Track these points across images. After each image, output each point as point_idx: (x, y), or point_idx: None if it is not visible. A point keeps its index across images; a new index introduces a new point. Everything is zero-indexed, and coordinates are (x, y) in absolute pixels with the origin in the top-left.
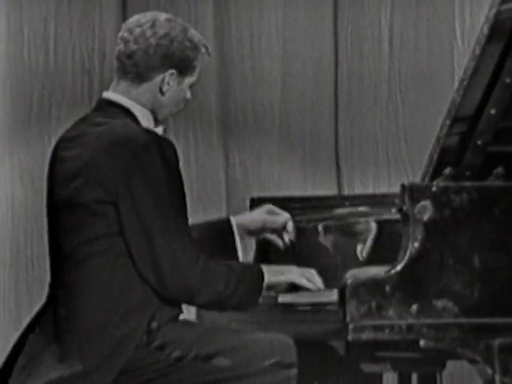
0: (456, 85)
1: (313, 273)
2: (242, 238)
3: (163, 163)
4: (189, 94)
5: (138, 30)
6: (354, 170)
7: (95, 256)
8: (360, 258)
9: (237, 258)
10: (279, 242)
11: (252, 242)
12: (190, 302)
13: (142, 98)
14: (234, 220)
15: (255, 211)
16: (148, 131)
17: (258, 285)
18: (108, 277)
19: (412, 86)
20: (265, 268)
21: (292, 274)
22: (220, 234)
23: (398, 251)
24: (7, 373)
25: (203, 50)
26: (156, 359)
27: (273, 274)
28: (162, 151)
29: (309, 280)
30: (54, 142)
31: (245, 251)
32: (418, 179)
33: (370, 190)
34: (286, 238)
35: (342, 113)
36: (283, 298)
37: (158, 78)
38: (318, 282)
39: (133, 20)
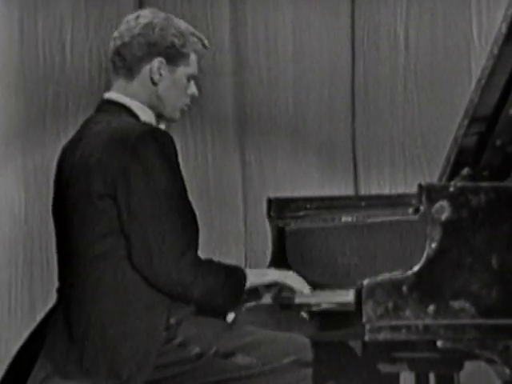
0: (473, 84)
1: (294, 275)
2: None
3: (160, 154)
4: (194, 89)
5: (124, 26)
6: (370, 170)
7: (104, 255)
8: None
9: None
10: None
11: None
12: (184, 295)
13: (138, 94)
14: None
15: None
16: (145, 124)
17: (241, 286)
18: (118, 275)
19: (429, 85)
20: (247, 270)
21: (275, 275)
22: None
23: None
24: (17, 367)
25: (194, 39)
26: (177, 356)
27: (255, 275)
28: (159, 142)
29: (293, 282)
30: None
31: None
32: (434, 180)
33: (386, 191)
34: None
35: (359, 112)
36: (300, 299)
37: (147, 69)
38: (302, 284)
39: (124, 20)
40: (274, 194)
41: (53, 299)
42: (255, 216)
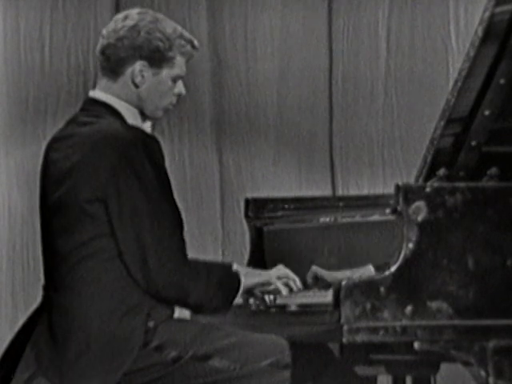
0: (450, 86)
1: (289, 275)
2: None
3: (149, 160)
4: (180, 89)
5: (111, 26)
6: (348, 170)
7: (89, 258)
8: None
9: None
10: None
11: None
12: (180, 301)
13: (122, 94)
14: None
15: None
16: (133, 128)
17: (235, 288)
18: (102, 279)
19: (407, 87)
20: (241, 271)
21: (269, 276)
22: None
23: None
24: (1, 368)
25: (181, 41)
26: (154, 360)
27: (249, 276)
28: (148, 148)
29: (285, 283)
30: None
31: None
32: (412, 180)
33: (364, 191)
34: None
35: (337, 113)
36: (280, 300)
37: (129, 70)
38: (294, 284)
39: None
40: (252, 194)
41: (35, 301)
42: (233, 216)
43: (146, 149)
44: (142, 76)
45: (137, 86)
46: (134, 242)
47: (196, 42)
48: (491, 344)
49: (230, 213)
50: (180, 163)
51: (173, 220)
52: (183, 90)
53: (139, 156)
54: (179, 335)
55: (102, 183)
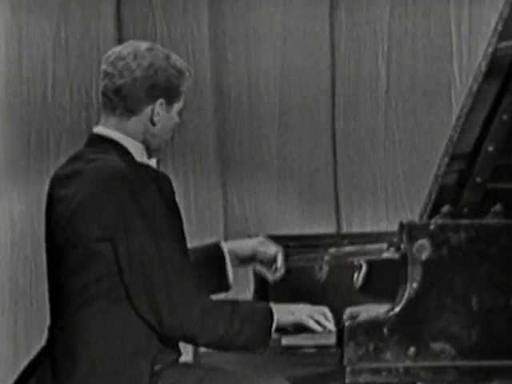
0: (454, 121)
1: (325, 312)
2: (232, 265)
3: (159, 197)
4: (177, 119)
5: (121, 64)
6: (352, 207)
7: (96, 298)
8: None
9: (227, 283)
10: (268, 276)
11: (249, 275)
12: (190, 343)
13: (133, 131)
14: (224, 245)
15: (247, 240)
16: (142, 165)
17: (267, 325)
18: (109, 319)
19: (410, 123)
20: (274, 307)
21: (302, 314)
22: (211, 259)
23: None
24: None
25: (187, 74)
26: None
27: (283, 313)
28: (158, 185)
29: (317, 321)
30: None
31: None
32: (416, 217)
33: (368, 228)
34: (275, 273)
35: (341, 150)
36: (286, 341)
37: (148, 110)
38: (328, 322)
39: (113, 53)
40: (256, 231)
41: (37, 341)
42: None
43: (155, 186)
44: (159, 114)
45: (153, 124)
46: (141, 282)
47: (192, 69)
48: None
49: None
50: (184, 199)
51: (185, 260)
52: (178, 120)
53: (149, 194)
54: (184, 378)
55: (110, 221)
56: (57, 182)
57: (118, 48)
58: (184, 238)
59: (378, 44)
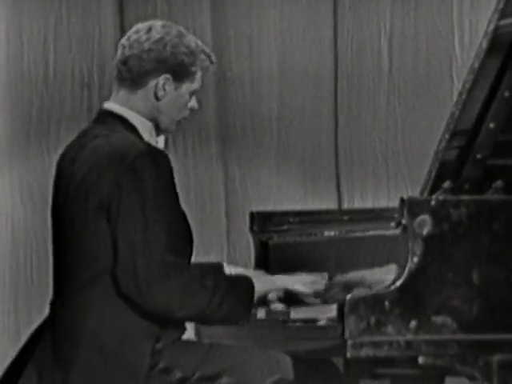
0: (455, 99)
1: (308, 278)
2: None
3: (156, 174)
4: (194, 103)
5: (134, 37)
6: (353, 183)
7: (98, 277)
8: None
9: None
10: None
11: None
12: (169, 316)
13: (140, 106)
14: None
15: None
16: (143, 143)
17: (248, 296)
18: (111, 299)
19: (411, 100)
20: (255, 278)
21: (284, 281)
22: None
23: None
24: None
25: (202, 56)
26: (161, 382)
27: (263, 283)
28: (155, 162)
29: (303, 286)
30: (53, 157)
31: None
32: (417, 193)
33: (369, 204)
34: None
35: (342, 126)
36: (296, 314)
37: (153, 83)
38: (315, 285)
39: (133, 28)
40: (257, 207)
41: (38, 316)
42: (238, 229)
43: (153, 163)
44: (164, 89)
45: (158, 99)
46: (125, 256)
47: (214, 57)
48: (496, 358)
49: (235, 226)
50: (185, 176)
51: (171, 235)
52: (196, 105)
53: (145, 170)
54: (186, 356)
55: (107, 193)
56: (64, 158)
57: (139, 24)
58: (178, 216)
59: (380, 21)
